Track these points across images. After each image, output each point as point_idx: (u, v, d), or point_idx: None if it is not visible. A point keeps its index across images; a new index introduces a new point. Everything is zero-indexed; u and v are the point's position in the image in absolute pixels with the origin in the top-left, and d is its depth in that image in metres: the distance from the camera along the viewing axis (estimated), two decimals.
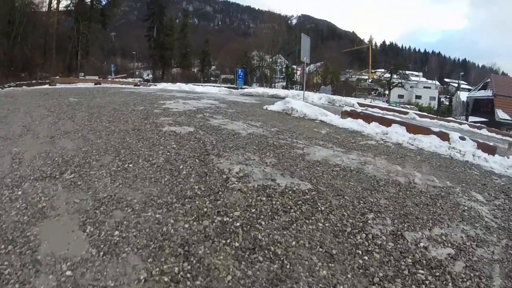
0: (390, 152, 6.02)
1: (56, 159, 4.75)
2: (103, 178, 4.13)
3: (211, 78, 63.11)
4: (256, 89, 21.91)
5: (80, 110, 8.14)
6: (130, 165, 4.46)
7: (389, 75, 65.08)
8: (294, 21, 62.97)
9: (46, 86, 19.16)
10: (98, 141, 5.39)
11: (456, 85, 73.60)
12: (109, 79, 41.28)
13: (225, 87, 26.81)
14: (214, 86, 27.16)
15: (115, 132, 5.88)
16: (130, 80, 50.42)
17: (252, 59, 55.27)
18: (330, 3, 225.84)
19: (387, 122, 7.97)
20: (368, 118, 8.28)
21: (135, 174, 4.20)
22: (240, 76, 29.16)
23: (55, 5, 47.02)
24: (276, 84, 57.52)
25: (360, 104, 20.78)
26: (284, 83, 59.04)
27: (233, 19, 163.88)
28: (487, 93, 46.10)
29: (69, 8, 49.20)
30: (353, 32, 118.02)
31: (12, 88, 25.81)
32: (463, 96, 59.80)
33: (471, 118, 42.99)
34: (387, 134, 7.27)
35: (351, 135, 6.99)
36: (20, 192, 3.87)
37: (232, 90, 22.51)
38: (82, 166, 4.46)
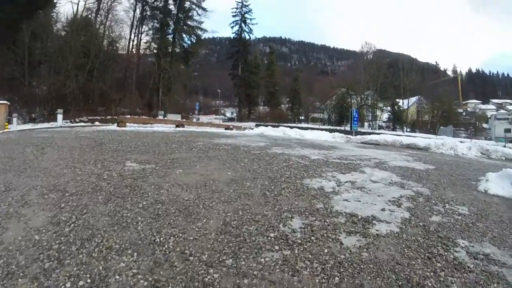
0: None
1: None
2: None
3: (300, 117, 57.80)
4: (384, 136, 15.91)
5: (133, 224, 2.99)
6: None
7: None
8: (370, 56, 55.91)
9: (114, 126, 14.90)
10: None
11: None
12: (194, 120, 37.69)
13: (337, 131, 21.01)
14: (322, 130, 21.45)
15: None
16: (216, 119, 47.31)
17: (351, 97, 48.56)
18: (405, 36, 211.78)
19: None
20: None
21: None
22: (355, 118, 23.13)
23: (135, 40, 45.41)
24: (374, 123, 50.11)
25: None
26: (383, 124, 51.44)
27: (309, 58, 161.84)
28: None
29: (150, 44, 46.01)
30: (436, 63, 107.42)
31: (80, 124, 22.90)
32: None
33: None
34: None
35: None
36: None
37: (349, 136, 16.72)
38: None
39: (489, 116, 64.58)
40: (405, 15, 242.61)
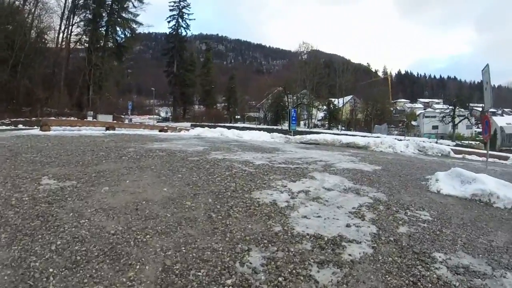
0: None
1: None
2: None
3: (237, 116, 58.04)
4: (324, 136, 16.04)
5: (42, 281, 2.26)
6: None
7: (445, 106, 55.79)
8: (304, 57, 57.99)
9: (37, 130, 13.12)
10: None
11: (480, 109, 64.00)
12: (127, 121, 35.28)
13: (275, 131, 20.78)
14: (260, 130, 20.98)
15: None
16: (151, 120, 45.09)
17: (287, 96, 49.30)
18: (340, 38, 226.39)
19: None
20: None
21: None
22: (294, 118, 22.88)
23: (65, 32, 41.34)
24: (310, 122, 51.94)
25: (455, 151, 15.85)
26: (318, 122, 53.48)
27: (245, 57, 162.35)
28: None
29: (81, 37, 42.37)
30: (368, 64, 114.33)
31: (1, 128, 20.01)
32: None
33: None
34: None
35: None
36: None
37: (289, 136, 16.64)
38: None
39: (417, 114, 70.00)
40: (340, 17, 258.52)
